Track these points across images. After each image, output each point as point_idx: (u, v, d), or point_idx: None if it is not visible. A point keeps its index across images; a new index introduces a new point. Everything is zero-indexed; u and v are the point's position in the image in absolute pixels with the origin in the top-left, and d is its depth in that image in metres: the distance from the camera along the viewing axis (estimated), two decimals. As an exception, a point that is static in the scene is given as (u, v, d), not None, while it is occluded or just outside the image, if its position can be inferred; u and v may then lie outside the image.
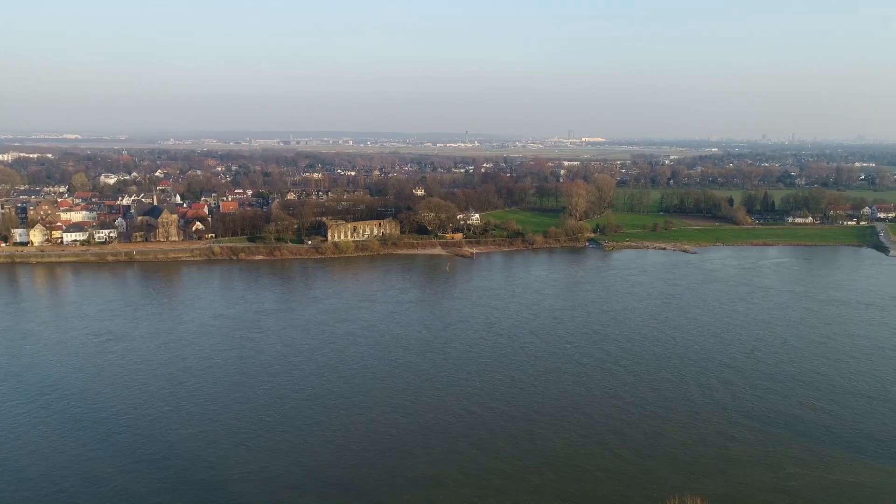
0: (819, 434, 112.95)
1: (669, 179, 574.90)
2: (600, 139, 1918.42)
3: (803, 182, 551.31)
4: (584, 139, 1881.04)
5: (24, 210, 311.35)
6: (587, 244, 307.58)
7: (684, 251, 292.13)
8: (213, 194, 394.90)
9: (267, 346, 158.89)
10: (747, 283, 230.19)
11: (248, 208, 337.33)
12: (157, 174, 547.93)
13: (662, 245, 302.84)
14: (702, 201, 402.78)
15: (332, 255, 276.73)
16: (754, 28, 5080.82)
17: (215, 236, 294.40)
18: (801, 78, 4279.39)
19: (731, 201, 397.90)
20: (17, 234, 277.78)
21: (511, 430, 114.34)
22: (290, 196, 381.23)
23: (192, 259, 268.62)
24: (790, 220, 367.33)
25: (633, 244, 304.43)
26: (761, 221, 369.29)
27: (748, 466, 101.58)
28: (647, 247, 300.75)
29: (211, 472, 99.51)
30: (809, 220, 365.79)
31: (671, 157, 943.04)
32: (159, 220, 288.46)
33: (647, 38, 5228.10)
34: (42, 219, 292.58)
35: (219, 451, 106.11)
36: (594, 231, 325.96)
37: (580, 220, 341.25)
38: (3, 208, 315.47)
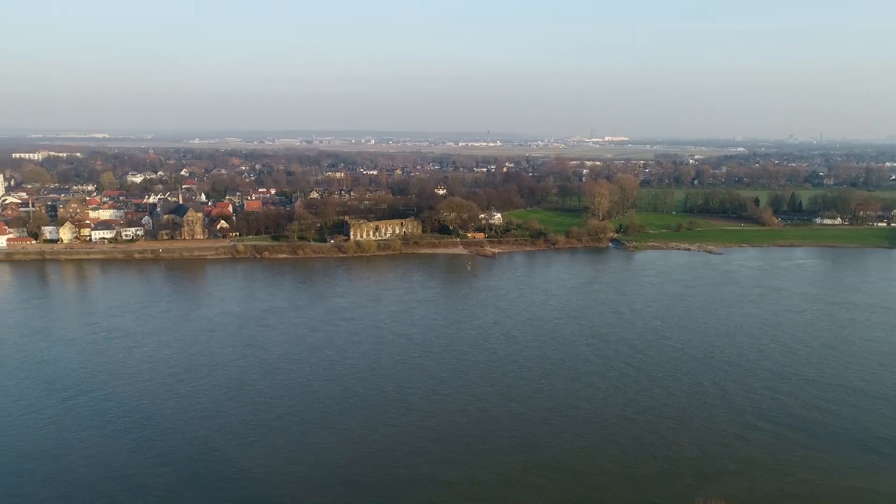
0: (832, 438, 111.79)
1: (694, 179, 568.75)
2: (623, 138, 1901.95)
3: (831, 182, 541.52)
4: (606, 138, 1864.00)
5: (53, 208, 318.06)
6: (609, 244, 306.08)
7: (708, 252, 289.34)
8: (238, 193, 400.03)
9: (272, 344, 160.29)
10: (763, 284, 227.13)
11: (272, 207, 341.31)
12: (182, 173, 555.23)
13: (686, 245, 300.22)
14: (727, 201, 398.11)
15: (355, 255, 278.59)
16: (780, 23, 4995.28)
17: (239, 235, 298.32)
18: (829, 76, 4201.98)
19: (756, 201, 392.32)
20: (48, 231, 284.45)
21: (518, 430, 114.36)
22: (313, 195, 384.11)
23: (216, 257, 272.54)
24: (818, 220, 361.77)
25: (656, 244, 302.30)
26: (788, 222, 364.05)
27: (760, 470, 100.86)
28: (670, 247, 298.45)
29: (215, 469, 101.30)
30: (838, 220, 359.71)
31: (695, 156, 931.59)
32: (184, 218, 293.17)
33: (670, 36, 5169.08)
34: (71, 217, 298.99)
35: (221, 447, 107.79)
36: (617, 231, 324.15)
37: (603, 220, 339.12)
38: (33, 206, 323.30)
